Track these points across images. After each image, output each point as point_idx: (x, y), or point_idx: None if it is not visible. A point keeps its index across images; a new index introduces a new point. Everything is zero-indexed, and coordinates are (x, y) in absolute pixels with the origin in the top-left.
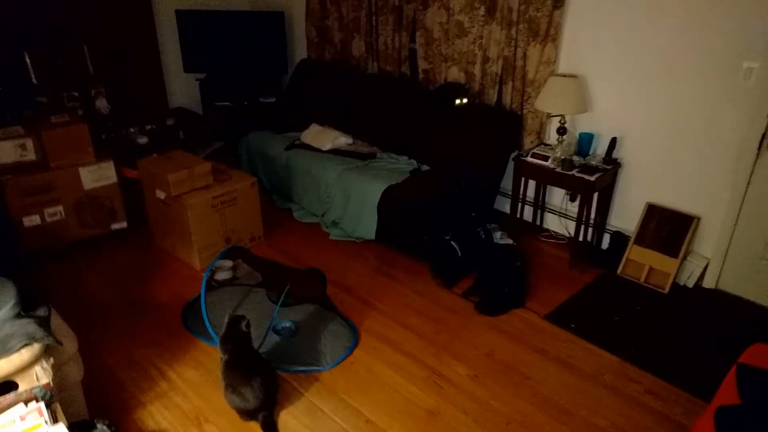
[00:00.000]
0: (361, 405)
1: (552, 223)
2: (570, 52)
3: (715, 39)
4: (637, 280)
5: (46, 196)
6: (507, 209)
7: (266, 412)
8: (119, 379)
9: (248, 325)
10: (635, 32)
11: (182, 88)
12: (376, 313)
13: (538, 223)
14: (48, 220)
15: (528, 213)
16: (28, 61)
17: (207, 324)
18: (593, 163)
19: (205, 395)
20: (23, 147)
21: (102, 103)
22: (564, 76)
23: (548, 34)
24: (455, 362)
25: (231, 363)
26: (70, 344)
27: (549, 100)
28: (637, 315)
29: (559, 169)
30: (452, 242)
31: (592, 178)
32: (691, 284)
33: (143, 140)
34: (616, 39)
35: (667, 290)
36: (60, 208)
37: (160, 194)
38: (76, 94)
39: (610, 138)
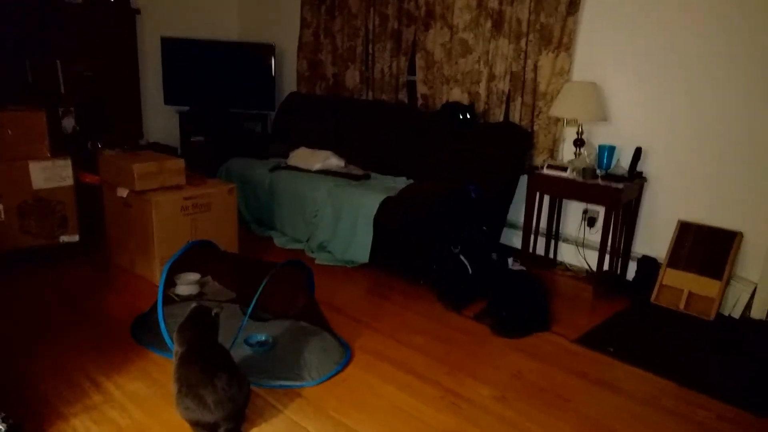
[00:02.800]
0: (358, 424)
1: (568, 255)
2: (585, 61)
3: (753, 34)
4: (675, 309)
5: None
6: (515, 243)
7: (231, 426)
8: (38, 389)
9: (218, 316)
10: (657, 34)
11: (160, 122)
12: (371, 332)
13: (551, 256)
14: None
15: (540, 247)
16: None
17: (161, 320)
18: (618, 173)
19: (150, 410)
20: None
21: (68, 122)
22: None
23: (561, 42)
24: (474, 382)
25: (188, 356)
26: None
27: (565, 106)
28: (682, 342)
29: (580, 179)
30: (461, 257)
31: (620, 186)
32: (737, 314)
33: (110, 154)
34: (635, 43)
35: (712, 317)
36: (0, 207)
37: (122, 192)
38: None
39: (634, 148)
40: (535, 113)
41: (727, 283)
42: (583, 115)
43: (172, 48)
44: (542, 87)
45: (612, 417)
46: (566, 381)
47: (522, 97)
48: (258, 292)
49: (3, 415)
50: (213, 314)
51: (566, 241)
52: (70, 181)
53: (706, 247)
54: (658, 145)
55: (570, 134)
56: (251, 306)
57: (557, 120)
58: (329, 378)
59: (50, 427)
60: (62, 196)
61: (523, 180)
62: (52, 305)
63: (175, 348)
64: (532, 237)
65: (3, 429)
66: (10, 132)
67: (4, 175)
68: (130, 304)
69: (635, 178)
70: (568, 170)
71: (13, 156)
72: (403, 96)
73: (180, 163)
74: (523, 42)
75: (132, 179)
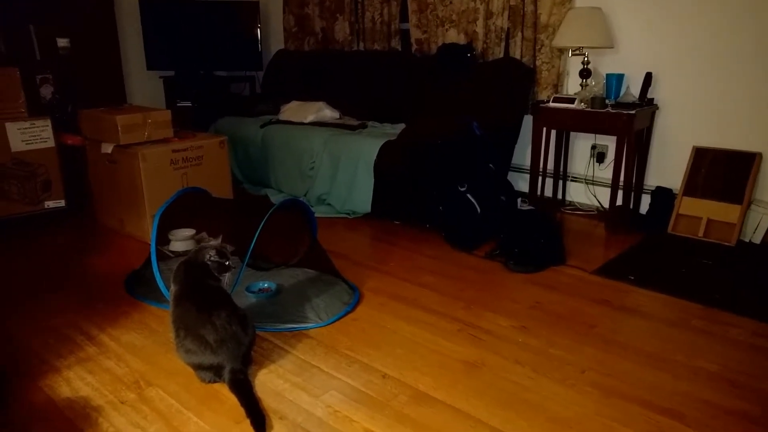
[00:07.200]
0: (374, 360)
1: (576, 194)
2: None
3: None
4: (694, 237)
5: None
6: (522, 186)
7: (236, 367)
8: (27, 347)
9: (222, 255)
10: None
11: (144, 88)
12: (380, 274)
13: (559, 197)
14: None
15: (548, 189)
16: None
17: (155, 268)
18: (628, 101)
19: (149, 358)
20: None
21: (46, 90)
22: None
23: None
24: (493, 315)
25: (183, 295)
26: None
27: (569, 35)
28: (705, 268)
29: (589, 109)
30: (468, 195)
31: (632, 112)
32: (758, 240)
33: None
34: None
35: (734, 243)
36: None
37: (107, 148)
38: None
39: (643, 75)
40: (537, 48)
41: (748, 207)
42: (590, 41)
43: (151, 10)
44: (543, 19)
45: (641, 339)
46: (588, 309)
47: (522, 32)
48: (258, 232)
49: None
50: (211, 256)
51: (574, 179)
52: (51, 143)
53: (724, 172)
54: (667, 69)
55: (575, 66)
56: (250, 248)
57: (560, 53)
58: (339, 318)
59: (42, 381)
60: (44, 159)
61: (528, 122)
62: (40, 268)
63: (171, 288)
64: (540, 178)
65: None
66: None
67: None
68: (121, 262)
69: (646, 104)
70: (576, 101)
71: None
72: (396, 44)
73: (166, 114)
74: None
75: (116, 132)
